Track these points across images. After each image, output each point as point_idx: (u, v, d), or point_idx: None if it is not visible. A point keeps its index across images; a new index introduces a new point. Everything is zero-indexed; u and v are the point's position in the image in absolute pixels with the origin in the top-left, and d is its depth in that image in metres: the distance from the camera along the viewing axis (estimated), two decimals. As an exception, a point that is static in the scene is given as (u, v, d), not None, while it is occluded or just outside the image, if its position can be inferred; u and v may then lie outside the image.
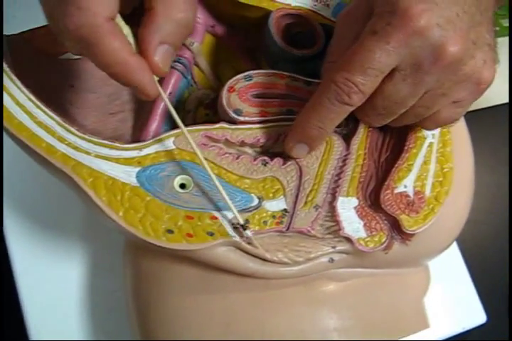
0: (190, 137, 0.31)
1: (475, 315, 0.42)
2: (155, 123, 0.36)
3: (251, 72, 0.34)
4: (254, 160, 0.33)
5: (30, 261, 0.41)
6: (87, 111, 0.39)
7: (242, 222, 0.31)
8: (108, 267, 0.41)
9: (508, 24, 0.60)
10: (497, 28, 0.63)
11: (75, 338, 0.40)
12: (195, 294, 0.33)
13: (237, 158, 0.33)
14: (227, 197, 0.30)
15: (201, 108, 0.38)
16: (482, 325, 0.42)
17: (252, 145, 0.34)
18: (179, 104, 0.38)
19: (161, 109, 0.37)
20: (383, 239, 0.33)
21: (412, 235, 0.34)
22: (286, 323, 0.33)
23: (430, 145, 0.36)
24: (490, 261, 0.48)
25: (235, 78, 0.34)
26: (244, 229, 0.31)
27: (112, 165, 0.31)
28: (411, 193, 0.34)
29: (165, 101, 0.31)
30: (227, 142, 0.33)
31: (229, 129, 0.33)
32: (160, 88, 0.29)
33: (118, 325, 0.39)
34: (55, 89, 0.38)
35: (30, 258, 0.42)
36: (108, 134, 0.37)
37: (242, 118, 0.33)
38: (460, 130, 0.37)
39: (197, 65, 0.38)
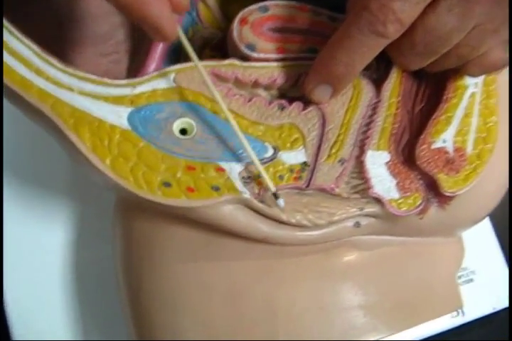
0: (203, 70, 0.25)
1: (506, 294, 0.37)
2: (153, 65, 0.30)
3: (267, 2, 0.29)
4: (270, 103, 0.28)
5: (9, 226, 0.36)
6: (76, 50, 0.33)
7: (272, 189, 0.25)
8: (96, 233, 0.35)
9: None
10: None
11: (57, 318, 0.35)
12: (195, 262, 0.28)
13: (250, 100, 0.27)
14: (247, 144, 0.25)
15: (207, 49, 0.32)
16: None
17: (267, 87, 0.28)
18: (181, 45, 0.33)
19: (161, 49, 0.31)
20: (418, 202, 0.28)
21: (451, 198, 0.29)
22: (303, 299, 0.28)
23: (472, 95, 0.30)
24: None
25: (248, 8, 0.29)
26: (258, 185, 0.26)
27: (100, 104, 0.26)
28: (450, 149, 0.29)
29: (180, 37, 0.26)
30: (238, 82, 0.28)
31: (240, 67, 0.28)
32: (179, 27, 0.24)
33: (107, 300, 0.34)
34: (41, 25, 0.32)
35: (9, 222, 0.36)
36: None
37: (255, 55, 0.28)
38: (505, 80, 0.32)
39: (203, 0, 0.33)
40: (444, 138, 0.29)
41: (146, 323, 0.28)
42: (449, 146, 0.29)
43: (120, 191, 0.26)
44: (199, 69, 0.26)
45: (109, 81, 0.26)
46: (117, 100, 0.26)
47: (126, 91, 0.26)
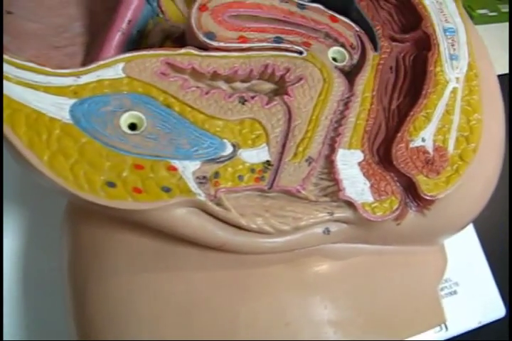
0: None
1: (493, 307, 0.35)
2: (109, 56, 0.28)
3: (229, -12, 0.26)
4: (230, 96, 0.25)
5: None
6: (26, 42, 0.31)
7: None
8: (45, 240, 0.32)
9: (507, 9, 0.56)
10: (495, 14, 0.60)
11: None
12: (147, 271, 0.25)
13: (207, 93, 0.25)
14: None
15: (168, 42, 0.30)
16: (499, 320, 0.35)
17: (227, 79, 0.26)
18: (141, 36, 0.30)
19: (117, 40, 0.29)
20: (395, 206, 0.26)
21: (431, 202, 0.26)
22: (267, 313, 0.25)
23: (454, 91, 0.28)
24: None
25: (208, -6, 0.26)
26: (215, 186, 0.23)
27: (39, 94, 0.23)
28: (430, 149, 0.27)
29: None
30: (195, 73, 0.25)
31: (198, 56, 0.25)
32: None
33: (55, 312, 0.31)
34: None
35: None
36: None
37: (215, 44, 0.25)
38: (488, 75, 0.30)
39: (164, -11, 0.30)
40: (423, 136, 0.27)
41: (90, 336, 0.25)
42: (429, 145, 0.27)
43: (61, 193, 0.23)
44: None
45: (50, 70, 0.23)
46: (59, 91, 0.23)
47: (69, 81, 0.23)
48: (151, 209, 0.23)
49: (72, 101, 0.23)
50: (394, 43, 0.29)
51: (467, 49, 0.29)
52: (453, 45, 0.29)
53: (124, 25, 0.29)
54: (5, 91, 0.22)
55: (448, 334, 0.33)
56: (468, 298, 0.34)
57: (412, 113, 0.27)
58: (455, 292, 0.34)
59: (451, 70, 0.28)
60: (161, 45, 0.30)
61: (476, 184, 0.27)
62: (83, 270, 0.26)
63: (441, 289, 0.34)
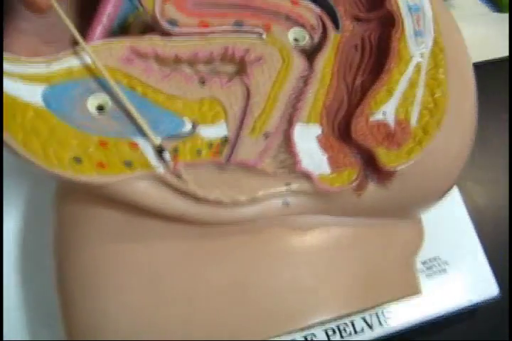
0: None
1: (485, 286, 0.34)
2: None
3: (191, -24, 0.28)
4: (190, 77, 0.27)
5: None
6: (16, 38, 0.33)
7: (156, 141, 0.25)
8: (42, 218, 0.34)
9: None
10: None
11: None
12: (117, 242, 0.27)
13: (168, 75, 0.27)
14: (138, 116, 0.24)
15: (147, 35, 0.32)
16: (491, 300, 0.34)
17: (190, 62, 0.27)
18: (121, 30, 0.32)
19: (99, 34, 0.31)
20: (353, 176, 0.27)
21: (392, 174, 0.27)
22: (227, 278, 0.26)
23: (417, 65, 0.29)
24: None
25: (171, -16, 0.28)
26: (174, 160, 0.25)
27: (15, 82, 0.25)
28: (391, 122, 0.27)
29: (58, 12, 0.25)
30: (159, 58, 0.27)
31: (160, 42, 0.27)
32: None
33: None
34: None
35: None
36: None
37: (177, 30, 0.27)
38: (457, 50, 0.30)
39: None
40: (384, 110, 0.28)
41: (69, 306, 0.27)
42: (390, 119, 0.28)
43: (36, 170, 0.25)
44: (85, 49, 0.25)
45: (24, 58, 0.26)
46: (32, 78, 0.26)
47: (41, 68, 0.26)
48: (114, 183, 0.25)
49: (44, 86, 0.25)
50: (360, 23, 0.30)
51: (433, 25, 0.30)
52: (418, 21, 0.29)
53: (105, 20, 0.31)
54: (-17, 80, 0.25)
55: (436, 310, 0.33)
56: (458, 276, 0.34)
57: (373, 87, 0.28)
58: (444, 270, 0.34)
59: (416, 46, 0.29)
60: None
61: (442, 157, 0.28)
62: (62, 242, 0.28)
63: (430, 267, 0.34)
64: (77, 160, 0.25)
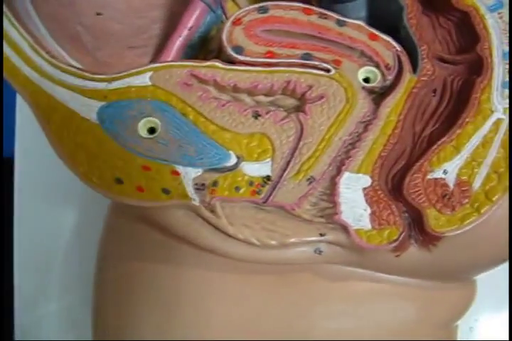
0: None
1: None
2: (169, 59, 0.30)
3: (269, 3, 0.27)
4: (245, 110, 0.26)
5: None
6: (106, 41, 0.34)
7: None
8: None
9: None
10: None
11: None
12: (147, 261, 0.27)
13: (224, 105, 0.26)
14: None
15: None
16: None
17: (250, 92, 0.27)
18: (202, 42, 0.32)
19: (178, 45, 0.31)
20: (394, 237, 0.25)
21: (438, 238, 0.25)
22: (245, 319, 0.26)
23: (497, 122, 0.26)
24: None
25: (246, 8, 0.27)
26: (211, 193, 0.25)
27: (75, 96, 0.26)
28: (451, 182, 0.25)
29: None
30: (218, 85, 0.26)
31: (221, 69, 0.26)
32: None
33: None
34: (78, 13, 0.34)
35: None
36: (121, 68, 0.33)
37: (241, 58, 0.26)
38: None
39: (233, -2, 0.32)
40: (446, 168, 0.25)
41: (98, 319, 0.28)
42: (450, 179, 0.25)
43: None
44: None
45: (88, 74, 0.26)
46: (92, 93, 0.26)
47: (102, 85, 0.26)
48: (151, 207, 0.25)
49: (101, 103, 0.26)
50: (445, 65, 0.28)
51: (526, 77, 0.26)
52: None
53: (185, 32, 0.31)
54: (48, 90, 0.26)
55: None
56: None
57: (439, 142, 0.25)
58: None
59: (501, 99, 0.26)
60: (219, 51, 0.31)
61: (500, 226, 0.25)
62: (102, 253, 0.29)
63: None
64: (119, 180, 0.25)
